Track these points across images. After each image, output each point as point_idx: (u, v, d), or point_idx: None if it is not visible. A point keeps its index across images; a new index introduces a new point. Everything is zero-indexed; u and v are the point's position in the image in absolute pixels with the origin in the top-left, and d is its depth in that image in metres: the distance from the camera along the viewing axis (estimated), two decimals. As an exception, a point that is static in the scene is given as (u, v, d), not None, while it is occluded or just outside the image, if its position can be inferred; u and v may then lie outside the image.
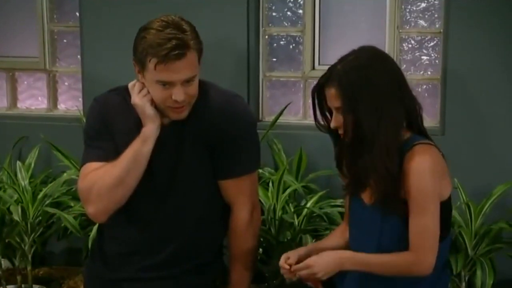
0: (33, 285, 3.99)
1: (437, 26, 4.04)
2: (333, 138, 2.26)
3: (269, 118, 4.15)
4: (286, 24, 4.25)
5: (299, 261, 2.19)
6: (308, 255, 2.20)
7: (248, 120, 2.34)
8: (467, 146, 3.84)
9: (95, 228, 3.18)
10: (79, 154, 2.41)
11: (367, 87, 2.09)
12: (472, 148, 3.85)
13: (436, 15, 4.05)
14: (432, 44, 4.08)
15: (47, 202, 3.80)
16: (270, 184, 3.71)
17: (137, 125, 2.22)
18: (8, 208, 3.77)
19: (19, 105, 4.67)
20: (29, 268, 3.90)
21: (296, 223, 3.54)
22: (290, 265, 2.20)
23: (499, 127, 3.84)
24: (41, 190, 3.86)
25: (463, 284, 3.47)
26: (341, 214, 3.52)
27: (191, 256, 2.34)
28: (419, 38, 4.08)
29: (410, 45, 4.10)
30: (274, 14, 4.24)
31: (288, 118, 4.17)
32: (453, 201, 2.25)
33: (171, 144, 2.26)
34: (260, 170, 3.73)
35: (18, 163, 4.04)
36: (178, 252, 2.31)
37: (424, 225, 2.07)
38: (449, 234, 2.24)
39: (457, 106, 3.86)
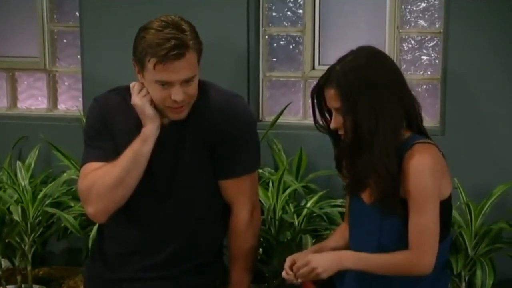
0: (33, 285, 3.99)
1: (437, 26, 4.04)
2: (332, 139, 2.26)
3: (269, 118, 4.15)
4: (286, 24, 4.25)
5: None
6: None
7: (248, 120, 2.34)
8: (467, 146, 3.84)
9: (95, 228, 3.18)
10: (79, 154, 2.41)
11: (366, 88, 2.09)
12: (472, 148, 3.85)
13: (436, 15, 4.05)
14: (432, 44, 4.08)
15: (47, 202, 3.80)
16: (270, 184, 3.70)
17: (137, 125, 2.22)
18: (8, 208, 3.77)
19: (19, 105, 4.66)
20: (29, 268, 3.90)
21: (296, 223, 3.54)
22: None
23: (499, 127, 3.84)
24: (41, 190, 3.86)
25: (463, 284, 3.47)
26: (341, 214, 3.52)
27: (191, 256, 2.34)
28: (419, 38, 4.08)
29: (410, 45, 4.10)
30: (274, 14, 4.24)
31: (288, 118, 4.17)
32: (453, 201, 2.25)
33: (171, 144, 2.26)
34: (260, 170, 3.73)
35: (18, 163, 4.04)
36: (178, 252, 2.31)
37: (423, 224, 2.07)
38: (449, 234, 2.24)
39: (457, 106, 3.86)
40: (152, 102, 2.20)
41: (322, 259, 2.14)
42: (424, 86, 4.10)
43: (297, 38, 4.23)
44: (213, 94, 2.29)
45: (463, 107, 3.85)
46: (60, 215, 3.69)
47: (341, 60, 2.16)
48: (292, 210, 3.63)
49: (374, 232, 2.17)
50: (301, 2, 4.19)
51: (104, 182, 2.19)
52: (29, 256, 3.87)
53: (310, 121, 2.29)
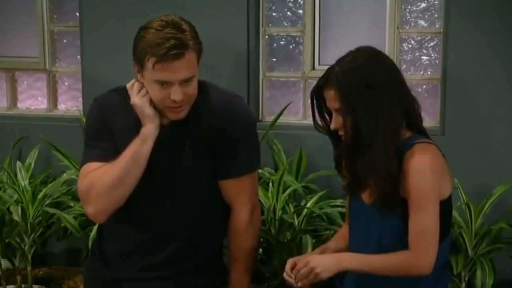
0: (33, 285, 3.99)
1: (437, 26, 4.04)
2: (332, 139, 2.26)
3: (269, 118, 4.15)
4: (286, 24, 4.24)
5: None
6: None
7: (248, 120, 2.34)
8: (467, 146, 3.84)
9: (95, 228, 3.18)
10: (79, 154, 2.41)
11: (365, 88, 2.09)
12: (472, 148, 3.84)
13: (436, 15, 4.04)
14: (432, 44, 4.07)
15: (47, 202, 3.80)
16: (270, 184, 3.70)
17: (136, 125, 2.22)
18: (8, 208, 3.77)
19: (19, 105, 4.66)
20: (29, 268, 3.90)
21: (296, 223, 3.54)
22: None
23: (499, 127, 3.84)
24: (41, 190, 3.86)
25: (463, 284, 3.47)
26: (341, 214, 3.52)
27: (191, 256, 2.34)
28: (419, 38, 4.08)
29: (410, 45, 4.10)
30: (274, 14, 4.24)
31: (288, 118, 4.17)
32: (453, 201, 2.25)
33: (171, 144, 2.26)
34: (260, 170, 3.73)
35: (18, 163, 4.04)
36: (178, 252, 2.31)
37: (423, 224, 2.07)
38: (449, 234, 2.24)
39: (457, 106, 3.85)
40: (152, 102, 2.20)
41: (321, 259, 2.14)
42: (424, 86, 4.10)
43: (297, 38, 4.23)
44: (213, 94, 2.29)
45: (463, 107, 3.85)
46: (60, 215, 3.69)
47: (340, 61, 2.16)
48: (292, 210, 3.63)
49: (374, 232, 2.17)
50: (301, 2, 4.19)
51: (103, 182, 2.19)
52: (29, 256, 3.87)
53: (310, 121, 2.29)
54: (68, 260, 4.37)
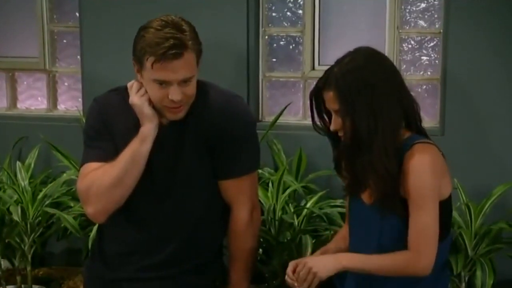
0: (33, 286, 3.99)
1: (436, 26, 4.04)
2: (331, 140, 2.26)
3: (269, 119, 4.15)
4: (286, 24, 4.24)
5: None
6: None
7: (248, 120, 2.34)
8: (466, 146, 3.84)
9: (94, 228, 3.18)
10: (79, 154, 2.41)
11: (364, 88, 2.09)
12: (472, 148, 3.84)
13: (436, 16, 4.04)
14: (431, 44, 4.07)
15: (47, 202, 3.80)
16: (270, 185, 3.70)
17: (136, 125, 2.22)
18: (8, 209, 3.77)
19: (19, 105, 4.66)
20: (28, 268, 3.90)
21: (296, 223, 3.54)
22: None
23: (499, 127, 3.84)
24: (40, 191, 3.86)
25: (463, 284, 3.47)
26: (341, 214, 3.52)
27: (191, 256, 2.33)
28: (419, 38, 4.08)
29: (410, 46, 4.10)
30: (274, 14, 4.24)
31: (287, 119, 4.17)
32: (453, 201, 2.25)
33: (171, 144, 2.26)
34: (260, 170, 3.73)
35: (18, 163, 4.04)
36: (177, 252, 2.31)
37: (422, 224, 2.07)
38: (449, 234, 2.24)
39: (456, 106, 3.85)
40: (151, 102, 2.20)
41: (319, 259, 2.15)
42: (424, 87, 4.10)
43: (297, 38, 4.23)
44: (213, 94, 2.29)
45: (462, 107, 3.85)
46: (60, 215, 3.69)
47: (339, 62, 2.15)
48: (292, 210, 3.63)
49: (374, 233, 2.17)
50: (301, 2, 4.19)
51: (102, 182, 2.19)
52: (29, 257, 3.87)
53: (310, 121, 2.28)
54: (68, 260, 4.37)
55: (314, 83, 2.22)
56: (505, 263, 3.56)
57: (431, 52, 4.08)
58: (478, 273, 3.40)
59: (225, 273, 2.43)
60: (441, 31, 3.97)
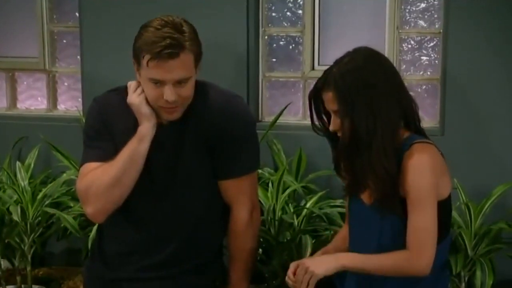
0: (33, 286, 3.99)
1: (436, 26, 4.04)
2: (330, 141, 2.26)
3: (269, 119, 4.15)
4: (285, 25, 4.25)
5: None
6: None
7: (248, 120, 2.34)
8: (466, 146, 3.84)
9: (94, 228, 3.18)
10: (78, 154, 2.41)
11: (363, 89, 2.08)
12: (471, 148, 3.85)
13: (435, 16, 4.04)
14: (431, 44, 4.08)
15: (47, 202, 3.80)
16: (270, 185, 3.70)
17: (136, 125, 2.22)
18: (8, 209, 3.77)
19: (18, 105, 4.67)
20: (28, 268, 3.90)
21: (296, 223, 3.54)
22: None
23: (499, 127, 3.84)
24: (40, 191, 3.86)
25: (463, 284, 3.47)
26: (341, 214, 3.52)
27: (191, 256, 2.33)
28: (419, 38, 4.08)
29: (409, 46, 4.10)
30: (273, 14, 4.24)
31: (287, 119, 4.17)
32: (453, 201, 2.25)
33: (171, 144, 2.26)
34: (260, 171, 3.73)
35: (18, 163, 4.04)
36: (177, 252, 2.31)
37: (421, 223, 2.07)
38: (448, 234, 2.24)
39: (456, 106, 3.86)
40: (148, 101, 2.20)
41: (316, 259, 2.16)
42: (424, 87, 4.10)
43: (296, 38, 4.23)
44: (213, 94, 2.28)
45: (462, 107, 3.85)
46: (59, 215, 3.69)
47: (338, 62, 2.15)
48: (292, 210, 3.63)
49: (374, 233, 2.17)
50: (301, 2, 4.19)
51: (101, 182, 2.19)
52: (29, 257, 3.87)
53: (309, 121, 2.28)
54: (68, 260, 4.37)
55: (314, 83, 2.22)
56: (505, 263, 3.56)
57: (431, 52, 4.08)
58: (478, 273, 3.40)
59: (225, 273, 2.43)
60: (441, 31, 3.98)
